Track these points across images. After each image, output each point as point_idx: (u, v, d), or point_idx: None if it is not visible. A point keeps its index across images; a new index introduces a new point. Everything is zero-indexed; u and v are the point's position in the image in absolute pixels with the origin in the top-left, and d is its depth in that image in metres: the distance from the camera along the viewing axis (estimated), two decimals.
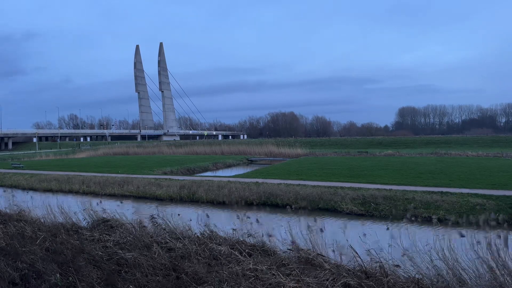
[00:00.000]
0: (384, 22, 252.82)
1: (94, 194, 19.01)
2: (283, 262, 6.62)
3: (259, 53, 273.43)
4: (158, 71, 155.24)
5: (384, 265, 5.91)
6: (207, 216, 8.91)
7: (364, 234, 6.79)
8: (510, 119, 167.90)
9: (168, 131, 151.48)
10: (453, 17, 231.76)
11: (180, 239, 8.03)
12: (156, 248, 7.19)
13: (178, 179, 20.94)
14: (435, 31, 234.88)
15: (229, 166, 36.39)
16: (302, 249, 6.90)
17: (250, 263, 6.41)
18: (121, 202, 14.30)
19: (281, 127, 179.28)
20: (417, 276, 5.69)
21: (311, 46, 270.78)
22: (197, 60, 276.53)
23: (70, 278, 6.05)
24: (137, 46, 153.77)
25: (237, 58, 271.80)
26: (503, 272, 5.42)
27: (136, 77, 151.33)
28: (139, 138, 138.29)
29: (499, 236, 6.11)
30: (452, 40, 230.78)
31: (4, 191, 19.70)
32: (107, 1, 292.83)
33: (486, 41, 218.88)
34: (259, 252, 7.26)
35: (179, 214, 9.56)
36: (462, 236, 6.45)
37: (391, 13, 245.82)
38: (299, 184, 17.80)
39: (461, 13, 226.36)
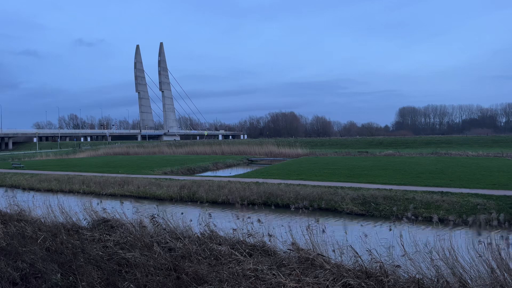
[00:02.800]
0: (376, 35, 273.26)
1: (95, 194, 19.01)
2: (284, 262, 6.62)
3: (261, 61, 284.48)
4: (159, 71, 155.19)
5: (385, 265, 5.90)
6: (209, 216, 8.90)
7: (365, 234, 6.78)
8: (511, 119, 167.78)
9: (168, 131, 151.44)
10: (436, 32, 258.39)
11: (181, 239, 8.03)
12: (156, 248, 7.19)
13: (179, 179, 20.94)
14: (422, 43, 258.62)
15: (229, 166, 36.39)
16: (303, 249, 6.89)
17: (250, 263, 6.40)
18: (122, 202, 14.30)
19: (282, 127, 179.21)
20: (417, 276, 5.68)
21: (311, 54, 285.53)
22: (198, 65, 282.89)
23: (71, 278, 6.05)
24: (137, 46, 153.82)
25: (240, 65, 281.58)
26: (504, 272, 5.42)
27: (136, 77, 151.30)
28: (139, 138, 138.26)
29: (500, 236, 6.11)
30: (438, 50, 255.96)
31: (5, 191, 19.71)
32: (108, 4, 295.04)
33: (467, 51, 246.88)
34: (260, 252, 7.26)
35: (182, 213, 9.56)
36: (463, 236, 6.45)
37: (383, 27, 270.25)
38: (299, 184, 17.80)
39: (444, 27, 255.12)
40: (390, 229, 7.02)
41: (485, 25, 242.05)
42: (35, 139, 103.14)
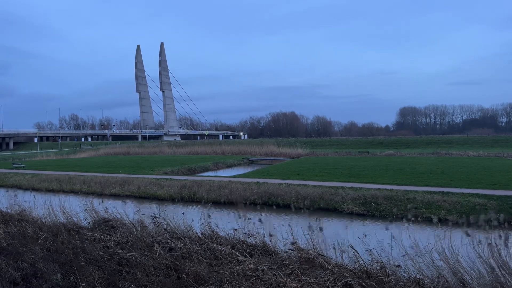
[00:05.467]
0: (369, 46, 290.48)
1: (95, 194, 19.01)
2: (284, 262, 6.62)
3: (263, 68, 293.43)
4: (159, 71, 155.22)
5: (385, 265, 5.90)
6: (209, 216, 8.91)
7: (365, 234, 6.79)
8: (511, 119, 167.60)
9: (169, 131, 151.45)
10: (423, 43, 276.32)
11: (181, 239, 8.03)
12: (157, 248, 7.20)
13: (179, 179, 20.95)
14: (411, 52, 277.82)
15: (230, 166, 36.39)
16: (303, 249, 6.89)
17: (251, 263, 6.41)
18: (122, 202, 14.32)
19: (282, 127, 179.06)
20: (418, 276, 5.68)
21: (310, 62, 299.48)
22: (201, 71, 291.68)
23: (71, 278, 6.06)
24: (138, 46, 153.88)
25: (242, 69, 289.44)
26: (504, 272, 5.42)
27: (137, 77, 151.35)
28: (140, 138, 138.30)
29: (500, 236, 6.11)
30: (427, 57, 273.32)
31: (6, 191, 19.72)
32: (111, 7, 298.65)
33: (453, 58, 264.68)
34: (260, 252, 7.26)
35: (183, 213, 9.57)
36: (463, 236, 6.45)
37: (374, 38, 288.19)
38: (300, 184, 17.79)
39: (429, 38, 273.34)
40: (390, 229, 7.02)
41: (466, 37, 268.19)
42: (36, 139, 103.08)
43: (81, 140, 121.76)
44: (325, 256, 6.56)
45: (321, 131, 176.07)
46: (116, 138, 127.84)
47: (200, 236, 8.39)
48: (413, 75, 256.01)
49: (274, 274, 5.91)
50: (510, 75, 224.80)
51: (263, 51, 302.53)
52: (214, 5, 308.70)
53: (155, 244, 7.51)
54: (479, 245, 5.87)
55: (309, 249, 6.87)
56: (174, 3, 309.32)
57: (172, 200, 17.29)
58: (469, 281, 5.54)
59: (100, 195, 18.59)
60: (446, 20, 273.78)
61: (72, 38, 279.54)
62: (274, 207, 13.70)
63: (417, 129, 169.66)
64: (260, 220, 8.14)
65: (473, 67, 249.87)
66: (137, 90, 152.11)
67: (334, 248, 6.75)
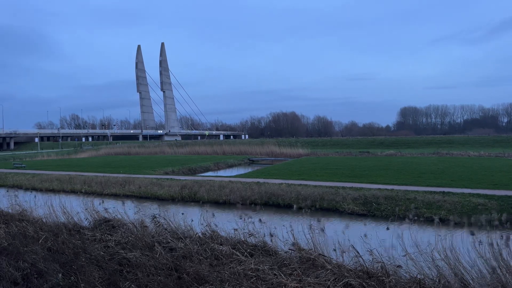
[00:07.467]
0: (363, 52, 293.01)
1: (96, 194, 19.00)
2: (285, 262, 6.62)
3: (264, 71, 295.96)
4: (160, 71, 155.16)
5: (386, 265, 5.89)
6: (213, 215, 8.90)
7: (366, 234, 6.77)
8: None
9: (169, 131, 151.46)
10: (413, 49, 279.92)
11: (182, 239, 8.04)
12: (157, 248, 7.20)
13: (180, 179, 20.95)
14: (404, 58, 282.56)
15: (230, 166, 36.40)
16: (304, 249, 6.89)
17: (251, 263, 6.41)
18: (123, 202, 14.30)
19: (283, 127, 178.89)
20: (419, 276, 5.68)
21: (309, 66, 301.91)
22: (204, 74, 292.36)
23: (72, 277, 6.07)
24: (139, 46, 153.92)
25: (244, 72, 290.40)
26: (505, 272, 5.41)
27: (137, 77, 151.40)
28: (140, 138, 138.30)
29: (501, 236, 6.10)
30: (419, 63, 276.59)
31: (7, 191, 19.73)
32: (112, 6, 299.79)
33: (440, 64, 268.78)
34: (261, 252, 7.26)
35: (183, 213, 9.56)
36: (464, 236, 6.44)
37: (368, 46, 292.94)
38: (301, 184, 17.79)
39: (418, 46, 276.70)
40: (390, 229, 7.01)
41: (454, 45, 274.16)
42: (36, 139, 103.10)
43: (81, 140, 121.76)
44: (325, 256, 6.55)
45: (321, 131, 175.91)
46: (117, 138, 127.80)
47: (201, 236, 8.39)
48: (407, 78, 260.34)
49: (275, 274, 5.91)
50: (491, 80, 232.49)
51: (264, 57, 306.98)
52: (219, 12, 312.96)
53: (155, 244, 7.51)
54: (480, 245, 5.86)
55: (310, 249, 6.86)
56: (177, 10, 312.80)
57: (173, 200, 17.29)
58: (470, 281, 5.53)
59: (101, 195, 18.59)
60: (437, 29, 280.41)
61: (74, 42, 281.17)
62: (275, 207, 13.70)
63: (417, 129, 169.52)
64: (260, 220, 8.13)
65: (461, 71, 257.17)
66: (138, 90, 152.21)
67: (334, 248, 6.75)
